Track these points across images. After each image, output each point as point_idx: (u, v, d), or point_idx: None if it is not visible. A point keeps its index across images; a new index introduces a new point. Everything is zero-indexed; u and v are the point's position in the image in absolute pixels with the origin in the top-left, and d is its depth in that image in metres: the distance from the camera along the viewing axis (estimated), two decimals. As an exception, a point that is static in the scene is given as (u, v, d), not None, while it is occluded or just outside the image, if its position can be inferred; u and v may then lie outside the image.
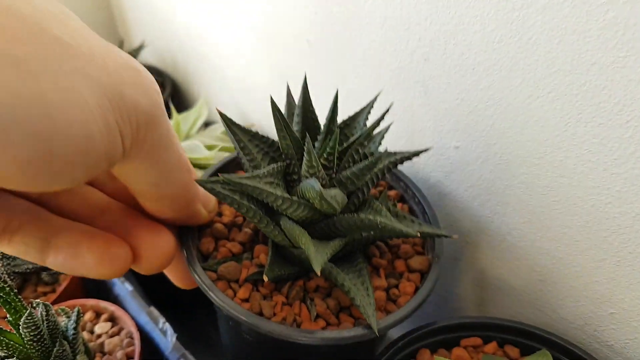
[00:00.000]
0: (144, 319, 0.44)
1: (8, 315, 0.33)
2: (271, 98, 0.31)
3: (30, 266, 0.46)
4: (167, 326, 0.43)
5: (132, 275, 0.50)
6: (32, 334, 0.32)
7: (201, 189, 0.31)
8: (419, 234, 0.30)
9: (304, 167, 0.31)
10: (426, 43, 0.37)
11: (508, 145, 0.35)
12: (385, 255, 0.37)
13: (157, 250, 0.29)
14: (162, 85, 0.80)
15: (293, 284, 0.35)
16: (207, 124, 0.63)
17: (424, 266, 0.36)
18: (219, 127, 0.61)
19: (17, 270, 0.46)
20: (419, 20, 0.37)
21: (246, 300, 0.33)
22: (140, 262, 0.28)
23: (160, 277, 0.35)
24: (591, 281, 0.35)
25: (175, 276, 0.34)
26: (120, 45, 0.80)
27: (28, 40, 0.18)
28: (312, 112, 0.34)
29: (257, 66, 0.58)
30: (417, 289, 0.34)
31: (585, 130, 0.30)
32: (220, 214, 0.38)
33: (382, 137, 0.35)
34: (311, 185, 0.29)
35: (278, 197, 0.29)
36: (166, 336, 0.42)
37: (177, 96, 0.81)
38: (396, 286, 0.35)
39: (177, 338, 0.42)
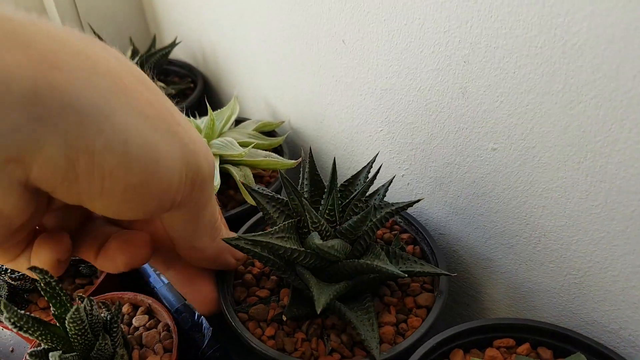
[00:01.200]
0: (180, 312, 0.45)
1: (53, 309, 0.33)
2: (280, 172, 0.39)
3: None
4: (203, 319, 0.44)
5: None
6: (77, 328, 0.33)
7: None
8: (405, 275, 0.35)
9: (309, 222, 0.37)
10: (466, 46, 0.37)
11: (547, 149, 0.35)
12: (395, 293, 0.42)
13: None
14: (193, 82, 0.81)
15: (312, 322, 0.40)
16: (237, 121, 0.63)
17: (429, 302, 0.40)
18: (250, 124, 0.62)
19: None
20: (459, 24, 0.37)
21: (272, 337, 0.39)
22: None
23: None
24: (628, 286, 0.35)
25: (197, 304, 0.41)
26: (153, 41, 0.81)
27: (152, 104, 0.26)
28: (318, 175, 0.42)
29: (289, 64, 0.59)
30: (422, 323, 0.39)
31: (628, 136, 0.30)
32: (253, 264, 0.45)
33: (386, 190, 0.41)
34: (312, 239, 0.35)
35: (287, 249, 0.35)
36: (202, 329, 0.43)
37: (208, 93, 0.82)
38: (405, 321, 0.40)
39: (212, 332, 0.43)
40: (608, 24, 0.29)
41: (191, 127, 0.30)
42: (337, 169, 0.42)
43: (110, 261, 0.33)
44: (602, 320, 0.37)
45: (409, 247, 0.46)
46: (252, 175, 0.52)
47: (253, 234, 0.35)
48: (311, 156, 0.42)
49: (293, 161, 0.53)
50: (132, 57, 0.76)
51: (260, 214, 0.48)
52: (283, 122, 0.64)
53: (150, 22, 0.92)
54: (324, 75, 0.53)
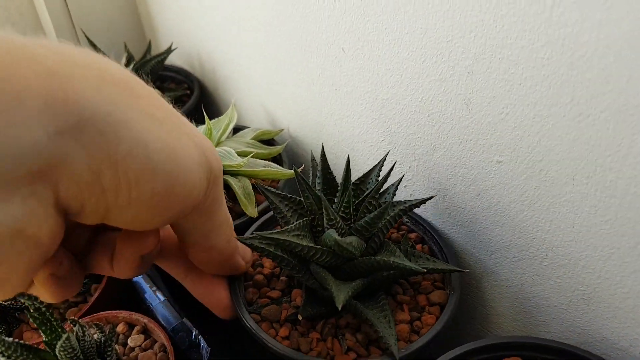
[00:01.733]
0: (177, 331, 0.44)
1: (44, 336, 0.32)
2: (295, 169, 0.38)
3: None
4: (201, 339, 0.43)
5: (164, 286, 0.50)
6: (68, 356, 0.32)
7: (239, 242, 0.37)
8: (425, 270, 0.35)
9: (324, 220, 0.37)
10: (470, 56, 0.36)
11: (555, 162, 0.34)
12: (407, 291, 0.42)
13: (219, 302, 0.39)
14: (190, 89, 0.79)
15: (326, 322, 0.39)
16: (235, 129, 0.62)
17: (443, 299, 0.40)
18: (249, 133, 0.61)
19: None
20: (462, 34, 0.36)
21: (286, 337, 0.38)
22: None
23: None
24: (639, 303, 0.34)
25: (215, 307, 0.40)
26: (148, 47, 0.79)
27: (160, 107, 0.26)
28: (330, 173, 0.42)
29: (287, 71, 0.58)
30: (437, 320, 0.38)
31: (639, 151, 0.29)
32: (262, 265, 0.44)
33: (396, 189, 0.41)
34: (330, 235, 0.35)
35: (304, 247, 0.35)
36: (200, 350, 0.42)
37: (204, 99, 0.81)
38: (419, 319, 0.40)
39: (211, 352, 0.42)
40: (618, 35, 0.28)
41: (194, 127, 0.30)
42: (336, 177, 0.42)
43: (124, 261, 0.32)
44: (612, 337, 0.36)
45: (418, 246, 0.45)
46: (251, 186, 0.51)
47: (270, 232, 0.35)
48: (323, 154, 0.41)
49: (292, 171, 0.52)
50: (127, 63, 0.75)
51: (263, 219, 0.48)
52: (282, 130, 0.62)
53: (146, 28, 0.91)
54: (323, 84, 0.52)
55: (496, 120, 0.36)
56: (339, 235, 0.37)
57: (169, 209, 0.27)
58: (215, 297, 0.40)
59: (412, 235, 0.46)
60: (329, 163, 0.42)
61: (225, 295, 0.40)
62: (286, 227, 0.36)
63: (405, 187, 0.48)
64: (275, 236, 0.35)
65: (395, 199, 0.41)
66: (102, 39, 0.82)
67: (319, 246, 0.36)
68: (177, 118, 0.28)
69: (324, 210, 0.37)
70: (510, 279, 0.42)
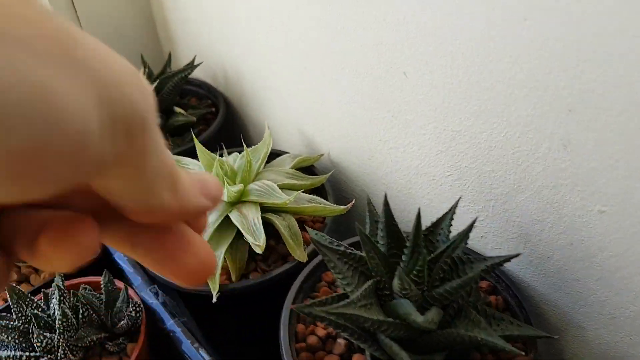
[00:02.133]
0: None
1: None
2: (358, 227, 0.34)
3: (94, 338, 0.41)
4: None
5: (201, 335, 0.45)
6: None
7: (194, 181, 0.26)
8: (523, 353, 0.31)
9: (396, 287, 0.33)
10: (573, 93, 0.32)
11: (679, 219, 0.30)
12: (486, 357, 0.37)
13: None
14: (214, 105, 0.74)
15: None
16: (271, 154, 0.57)
17: None
18: (287, 161, 0.56)
19: (79, 345, 0.41)
20: (565, 67, 0.31)
21: None
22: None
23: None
24: None
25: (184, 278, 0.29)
26: (168, 60, 0.73)
27: (34, 22, 0.15)
28: (395, 224, 0.37)
29: (332, 92, 0.53)
30: None
31: None
32: (314, 323, 0.40)
33: (467, 237, 0.36)
34: (406, 310, 0.32)
35: (375, 322, 0.32)
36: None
37: (230, 117, 0.75)
38: None
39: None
40: None
41: (110, 51, 0.21)
42: (391, 209, 0.37)
43: (46, 262, 0.24)
44: None
45: (492, 298, 0.41)
46: (297, 224, 0.46)
47: (335, 305, 0.31)
48: (387, 204, 0.37)
49: (342, 207, 0.47)
50: (147, 79, 0.69)
51: (313, 264, 0.43)
52: (322, 155, 0.57)
53: (163, 38, 0.85)
54: (377, 109, 0.47)
55: (602, 167, 0.32)
56: (414, 304, 0.33)
57: (49, 174, 0.18)
58: (182, 264, 0.27)
59: (484, 285, 0.42)
60: (377, 194, 0.38)
61: (197, 255, 0.27)
62: (351, 298, 0.32)
63: (475, 227, 0.44)
64: (342, 310, 0.31)
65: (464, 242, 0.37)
66: (115, 51, 0.76)
67: (390, 319, 0.32)
68: (66, 37, 0.18)
69: (396, 280, 0.33)
70: (601, 336, 0.38)
